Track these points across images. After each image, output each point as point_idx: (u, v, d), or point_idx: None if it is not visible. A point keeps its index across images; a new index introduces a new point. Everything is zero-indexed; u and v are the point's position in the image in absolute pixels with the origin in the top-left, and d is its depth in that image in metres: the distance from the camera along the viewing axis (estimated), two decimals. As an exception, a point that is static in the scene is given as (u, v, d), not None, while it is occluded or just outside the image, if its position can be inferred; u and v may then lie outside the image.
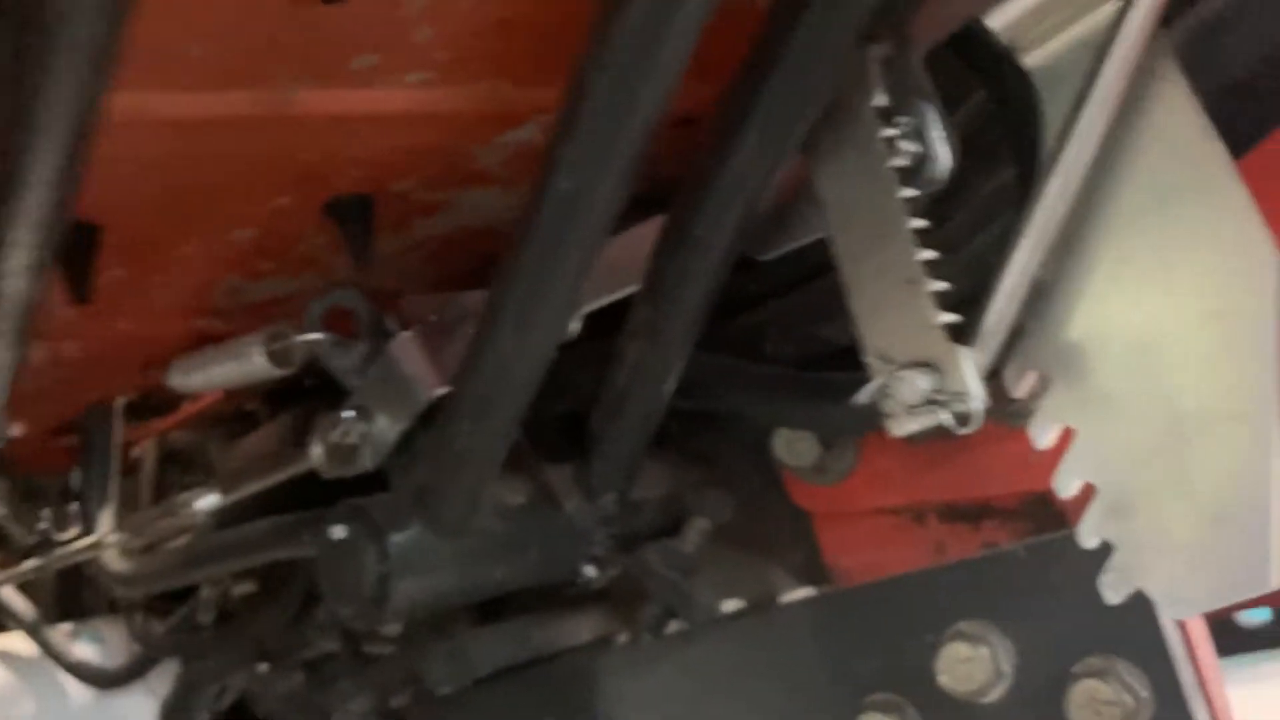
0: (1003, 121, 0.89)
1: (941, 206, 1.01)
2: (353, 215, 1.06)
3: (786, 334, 1.13)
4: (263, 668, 1.57)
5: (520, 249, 0.77)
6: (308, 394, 1.47)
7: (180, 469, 1.76)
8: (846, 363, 1.11)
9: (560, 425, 1.16)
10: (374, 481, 1.11)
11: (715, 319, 1.18)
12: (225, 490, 1.29)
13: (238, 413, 1.66)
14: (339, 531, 0.96)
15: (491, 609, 1.39)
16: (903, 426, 0.79)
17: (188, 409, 1.63)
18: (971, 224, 1.02)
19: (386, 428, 1.03)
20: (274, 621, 1.54)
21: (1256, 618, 1.66)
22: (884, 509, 1.15)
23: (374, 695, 1.28)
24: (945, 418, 0.76)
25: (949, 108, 0.94)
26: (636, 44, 0.65)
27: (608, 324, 1.02)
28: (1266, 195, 0.78)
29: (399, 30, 0.82)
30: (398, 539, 0.95)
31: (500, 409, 0.87)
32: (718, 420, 1.23)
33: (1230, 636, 0.97)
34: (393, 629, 1.25)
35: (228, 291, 1.24)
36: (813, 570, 1.21)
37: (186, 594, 1.67)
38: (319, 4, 0.71)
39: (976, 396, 0.75)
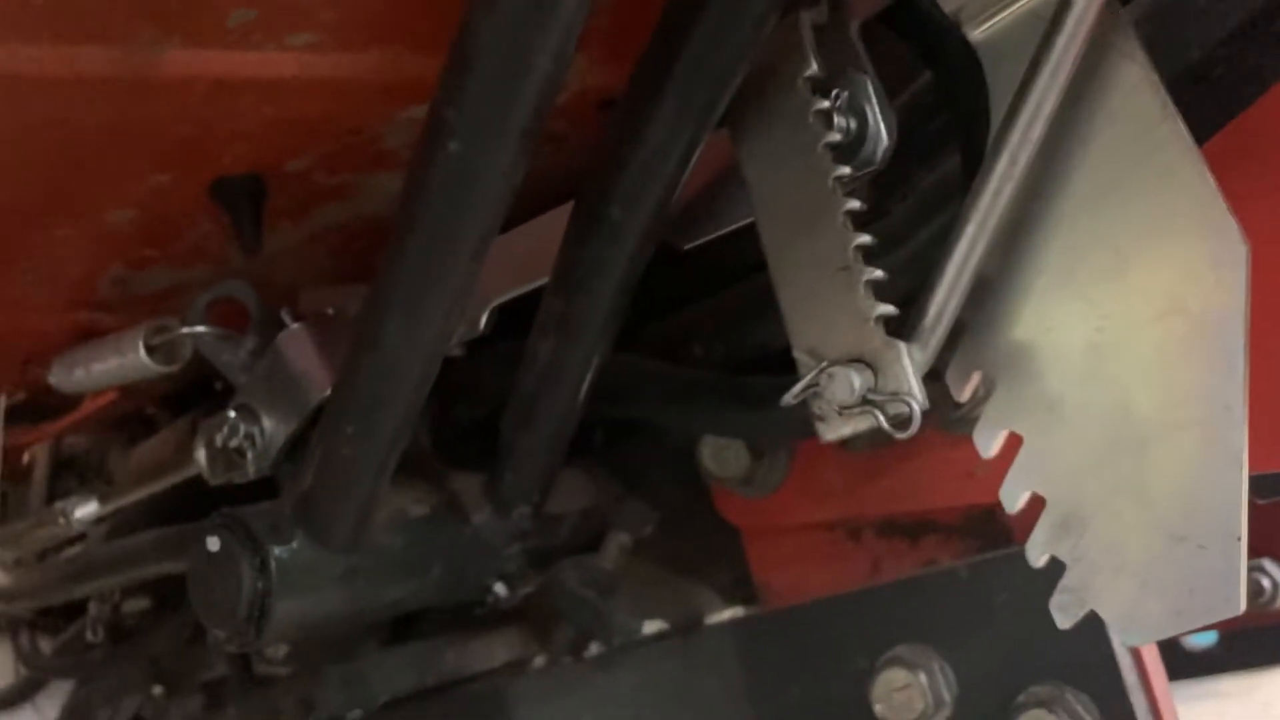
0: (946, 101, 0.82)
1: (882, 198, 0.94)
2: (241, 197, 0.97)
3: (718, 335, 1.06)
4: (158, 690, 1.47)
5: (404, 229, 0.68)
6: (213, 397, 1.37)
7: (76, 476, 1.65)
8: (783, 367, 1.04)
9: (476, 432, 1.07)
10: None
11: (641, 319, 1.11)
12: (105, 498, 1.19)
13: (137, 416, 1.56)
14: (213, 543, 0.86)
15: (401, 629, 1.30)
16: (834, 430, 0.71)
17: (82, 411, 1.52)
18: (913, 217, 0.95)
19: (274, 430, 0.94)
20: (170, 641, 1.44)
21: (1202, 641, 1.61)
22: (817, 523, 1.07)
23: (265, 724, 1.18)
24: (881, 420, 0.68)
25: (890, 94, 0.88)
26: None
27: (527, 321, 0.94)
28: (1232, 183, 0.71)
29: (279, -18, 0.73)
30: (279, 553, 0.86)
31: (387, 412, 0.78)
32: (641, 430, 1.15)
33: (1175, 660, 0.91)
34: (277, 651, 1.15)
35: (112, 282, 1.14)
36: (742, 589, 1.13)
37: (77, 611, 1.56)
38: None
39: (915, 396, 0.68)
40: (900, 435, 0.68)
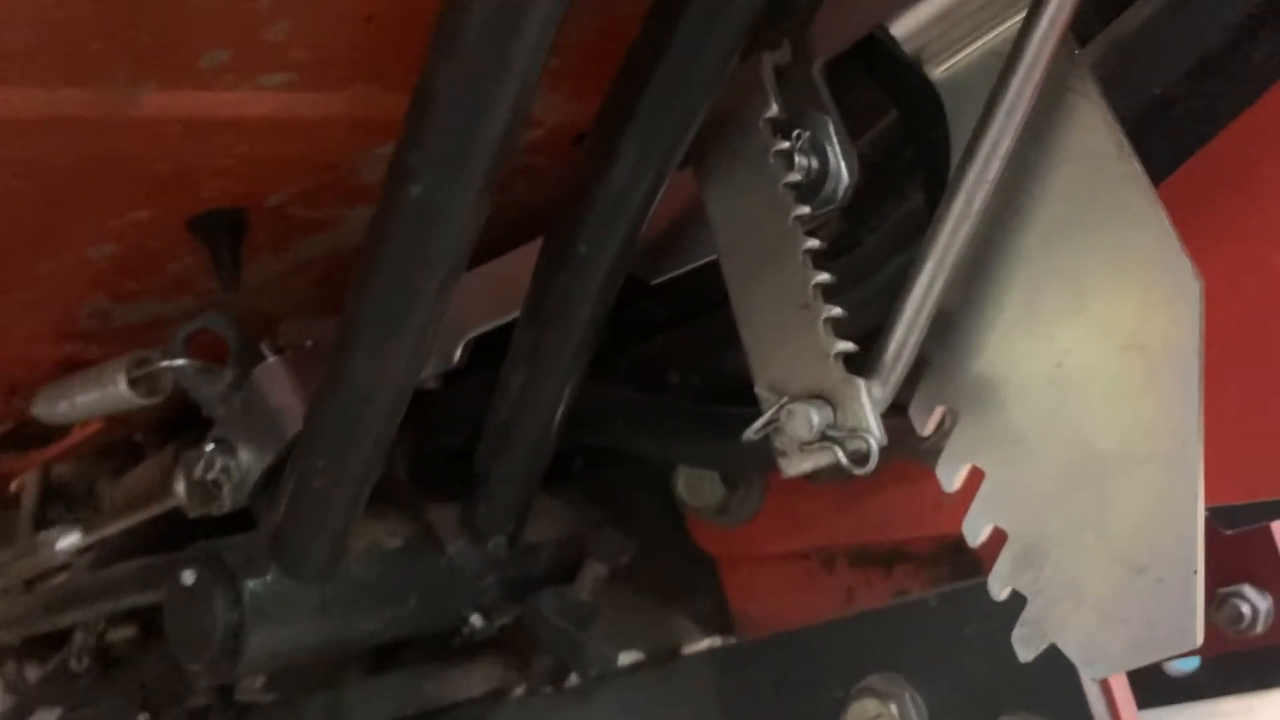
0: (908, 137, 0.83)
1: (854, 229, 0.95)
2: (220, 232, 0.98)
3: (692, 364, 1.07)
4: (143, 718, 1.47)
5: (370, 269, 0.69)
6: (201, 424, 1.38)
7: (64, 504, 1.66)
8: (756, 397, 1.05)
9: (453, 461, 1.08)
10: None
11: (616, 347, 1.12)
12: (88, 529, 1.19)
13: (125, 444, 1.57)
14: (188, 577, 0.87)
15: (383, 658, 1.31)
16: (795, 465, 0.71)
17: (70, 439, 1.52)
18: (886, 248, 0.96)
19: (250, 463, 0.95)
20: (155, 668, 1.44)
21: (1185, 667, 1.61)
22: (792, 553, 1.08)
23: (245, 754, 1.18)
24: (840, 456, 0.69)
25: (860, 128, 0.89)
26: (488, 36, 0.58)
27: (501, 352, 0.95)
28: (1187, 221, 0.72)
29: (250, 25, 0.74)
30: (253, 585, 0.87)
31: (357, 446, 0.79)
32: (620, 458, 1.16)
33: (1158, 686, 0.91)
34: (254, 681, 1.15)
35: (94, 314, 1.15)
36: (719, 618, 1.13)
37: (63, 639, 1.56)
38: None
39: (873, 433, 0.68)
40: (859, 471, 0.69)
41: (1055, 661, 0.89)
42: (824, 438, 0.69)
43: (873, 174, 0.86)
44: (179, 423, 1.46)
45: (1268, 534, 1.45)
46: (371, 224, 0.69)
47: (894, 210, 0.97)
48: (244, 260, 1.03)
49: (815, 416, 0.68)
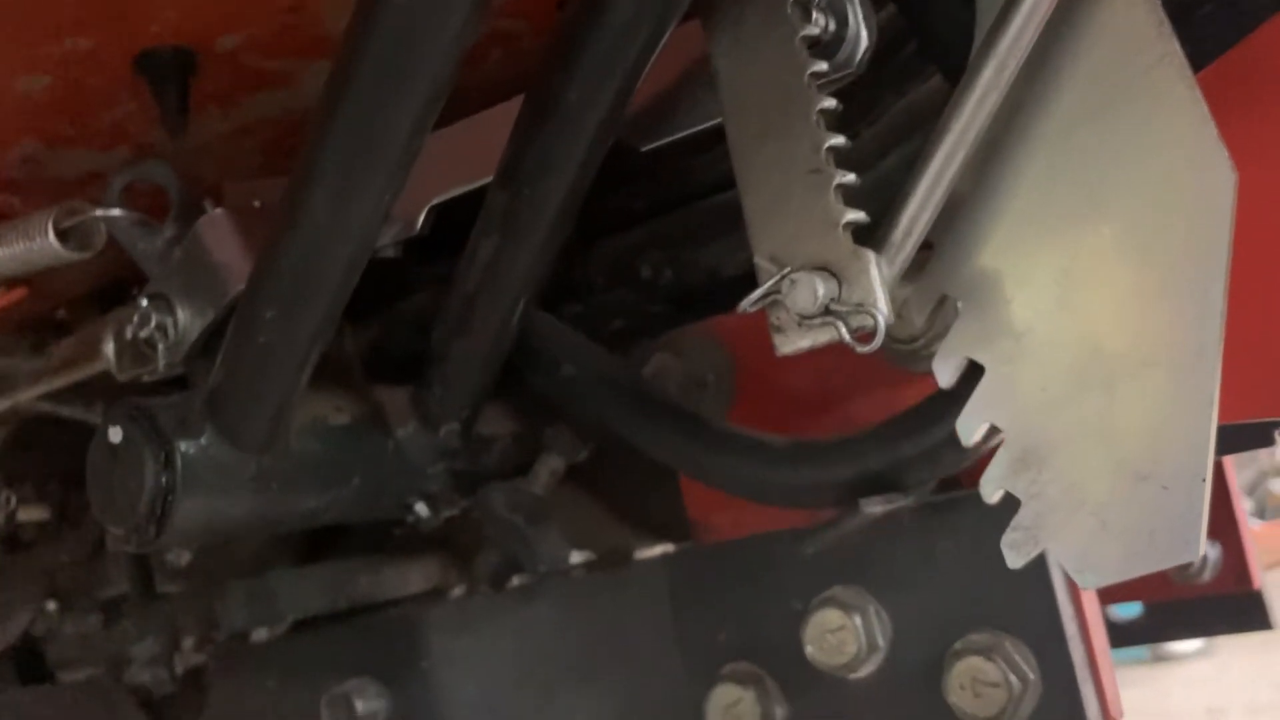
0: (912, 28, 0.77)
1: (849, 123, 0.90)
2: (167, 71, 0.90)
3: (667, 257, 1.01)
4: (52, 606, 1.39)
5: (341, 90, 0.62)
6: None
7: (-23, 380, 1.56)
8: (733, 294, 1.00)
9: (402, 365, 1.01)
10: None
11: (588, 239, 1.06)
12: (6, 391, 1.11)
13: (48, 321, 1.47)
14: (115, 434, 0.80)
15: (313, 554, 1.24)
16: (791, 342, 0.66)
17: (-14, 310, 1.43)
18: (881, 143, 0.91)
19: (188, 322, 0.87)
20: (69, 553, 1.37)
21: (1127, 613, 1.61)
22: (758, 460, 1.03)
23: (164, 639, 1.11)
24: (843, 332, 0.64)
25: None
26: None
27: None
28: (1224, 113, 0.68)
29: None
30: (186, 448, 0.80)
31: (312, 297, 0.72)
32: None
33: (1100, 630, 0.90)
34: (180, 558, 1.08)
35: (24, 160, 1.06)
36: (675, 526, 1.08)
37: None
38: None
39: (881, 309, 0.63)
40: (862, 349, 0.64)
41: (1027, 581, 0.86)
42: (827, 312, 0.64)
43: (871, 67, 0.80)
44: (107, 299, 1.38)
45: (1220, 481, 1.44)
46: (344, 39, 0.62)
47: (892, 104, 0.92)
48: (190, 111, 0.95)
49: (820, 288, 0.63)
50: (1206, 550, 1.43)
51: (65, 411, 1.17)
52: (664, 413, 0.90)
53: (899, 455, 0.79)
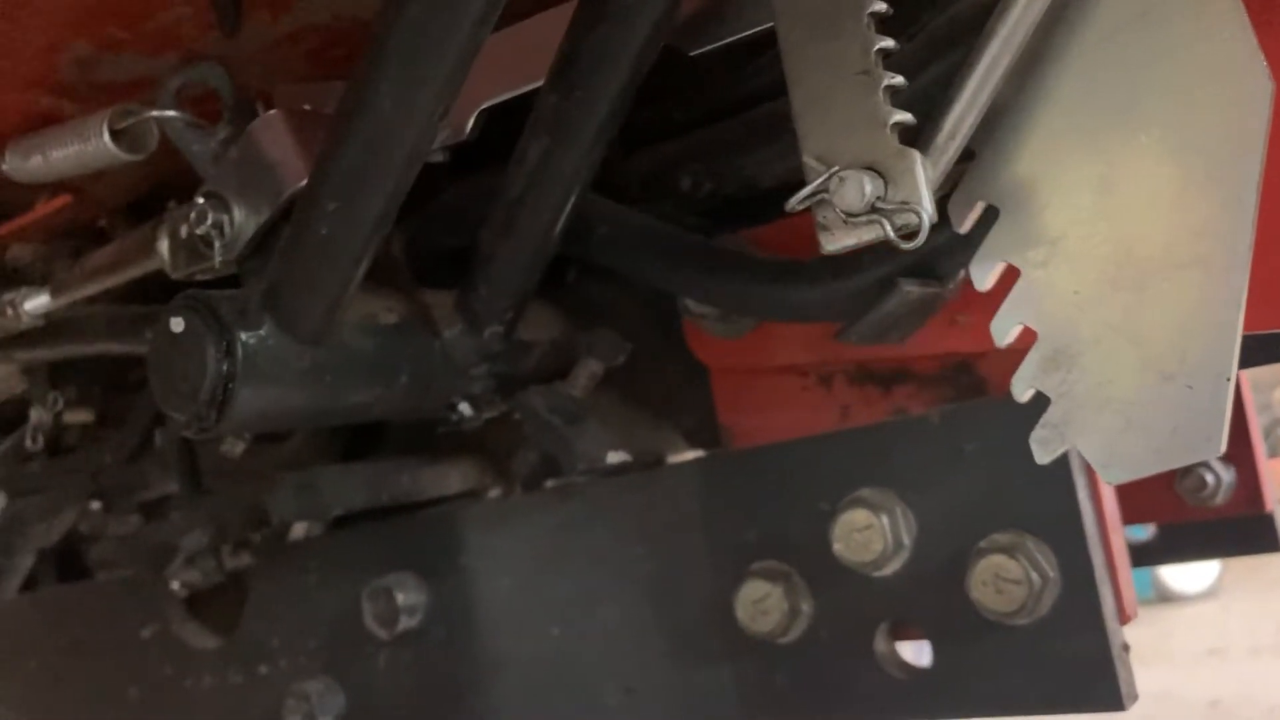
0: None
1: (893, 34, 0.91)
2: (223, -29, 0.92)
3: (706, 168, 1.03)
4: (96, 505, 1.44)
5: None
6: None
7: (21, 285, 1.59)
8: (769, 204, 1.02)
9: (451, 265, 1.04)
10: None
11: (627, 149, 1.08)
12: (57, 291, 1.14)
13: (89, 228, 1.50)
14: (177, 324, 0.83)
15: (352, 456, 1.28)
16: (837, 240, 0.69)
17: (31, 215, 1.45)
18: (920, 57, 0.92)
19: (243, 220, 0.90)
20: (112, 455, 1.40)
21: (1138, 534, 1.64)
22: (789, 367, 1.06)
23: (212, 531, 1.15)
24: (888, 229, 0.66)
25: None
26: None
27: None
28: (1262, 26, 0.69)
29: None
30: (246, 338, 0.83)
31: (375, 187, 0.75)
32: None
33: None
34: (234, 448, 1.12)
35: (75, 63, 1.08)
36: (705, 432, 1.12)
37: (16, 423, 1.52)
38: None
39: (925, 207, 0.66)
40: (906, 246, 0.67)
41: (1051, 482, 0.89)
42: (873, 210, 0.66)
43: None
44: (146, 209, 1.40)
45: (1238, 406, 1.46)
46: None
47: (931, 19, 0.94)
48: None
49: (868, 185, 0.65)
50: (1220, 473, 1.47)
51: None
52: (703, 250, 0.93)
53: (931, 244, 0.81)
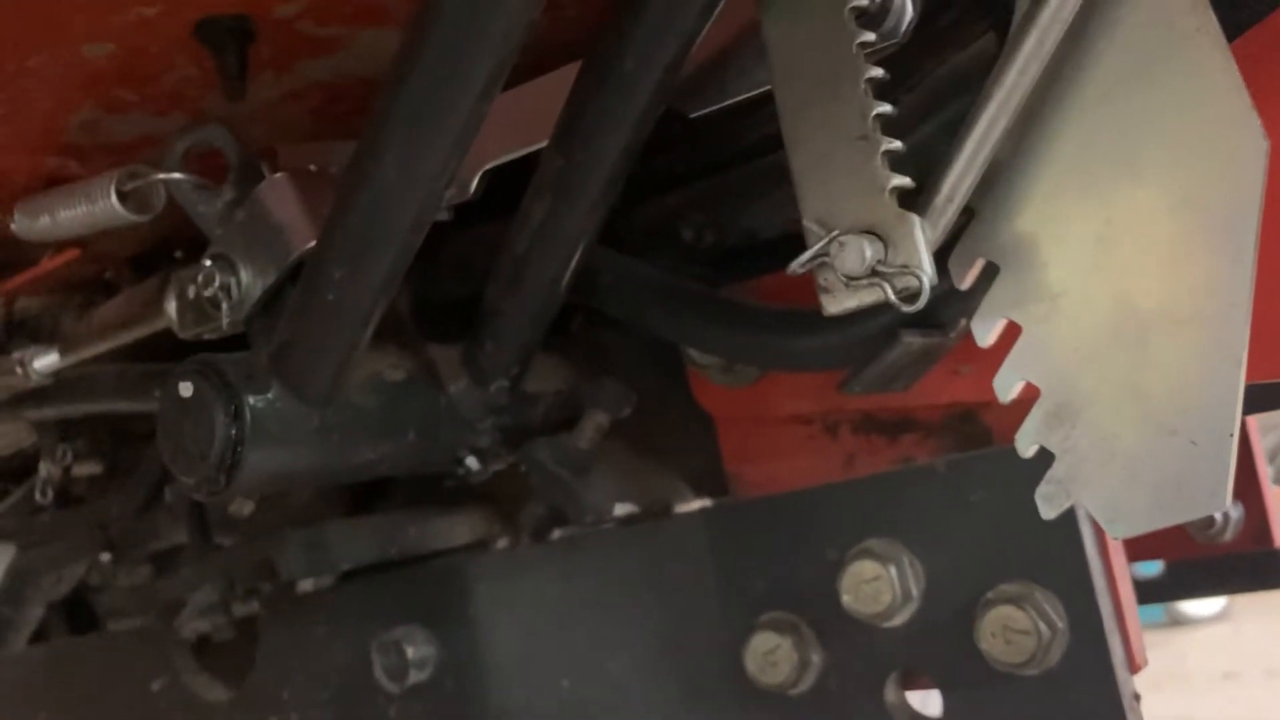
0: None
1: (890, 89, 0.92)
2: (227, 39, 0.93)
3: (707, 220, 1.04)
4: (106, 557, 1.44)
5: (414, 51, 0.65)
6: (175, 265, 1.34)
7: (29, 339, 1.60)
8: (771, 256, 1.03)
9: (454, 315, 1.04)
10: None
11: (629, 202, 1.08)
12: (66, 350, 1.15)
13: (96, 281, 1.51)
14: (185, 388, 0.83)
15: (360, 508, 1.29)
16: (839, 303, 0.69)
17: (38, 269, 1.47)
18: (920, 109, 0.93)
19: (250, 282, 0.91)
20: (121, 507, 1.41)
21: (1148, 570, 1.64)
22: (795, 416, 1.06)
23: (221, 586, 1.16)
24: (889, 293, 0.67)
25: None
26: None
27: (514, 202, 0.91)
28: (1258, 82, 0.70)
29: None
30: (254, 401, 0.83)
31: (378, 254, 0.76)
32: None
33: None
34: (242, 508, 1.12)
35: (83, 125, 1.09)
36: (711, 481, 1.12)
37: (26, 473, 1.53)
38: None
39: (925, 270, 0.67)
40: (908, 309, 0.67)
41: (1058, 533, 0.89)
42: (874, 274, 0.67)
43: (912, 33, 0.83)
44: (152, 262, 1.41)
45: (1245, 442, 1.46)
46: (417, 5, 0.65)
47: (930, 71, 0.95)
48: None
49: (868, 250, 0.66)
50: (1228, 509, 1.46)
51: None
52: (702, 299, 0.93)
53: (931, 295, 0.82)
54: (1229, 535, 1.46)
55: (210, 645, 1.36)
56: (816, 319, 0.91)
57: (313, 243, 0.88)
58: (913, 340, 0.85)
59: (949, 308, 0.88)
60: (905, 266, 0.67)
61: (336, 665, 1.19)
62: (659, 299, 0.99)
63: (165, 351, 1.18)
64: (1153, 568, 1.62)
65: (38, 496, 1.42)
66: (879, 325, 0.88)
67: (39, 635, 1.63)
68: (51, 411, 1.23)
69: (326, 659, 1.20)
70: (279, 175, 0.91)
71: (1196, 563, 1.51)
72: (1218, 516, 1.45)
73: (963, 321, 0.90)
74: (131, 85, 1.03)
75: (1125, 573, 0.93)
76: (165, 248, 1.40)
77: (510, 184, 0.93)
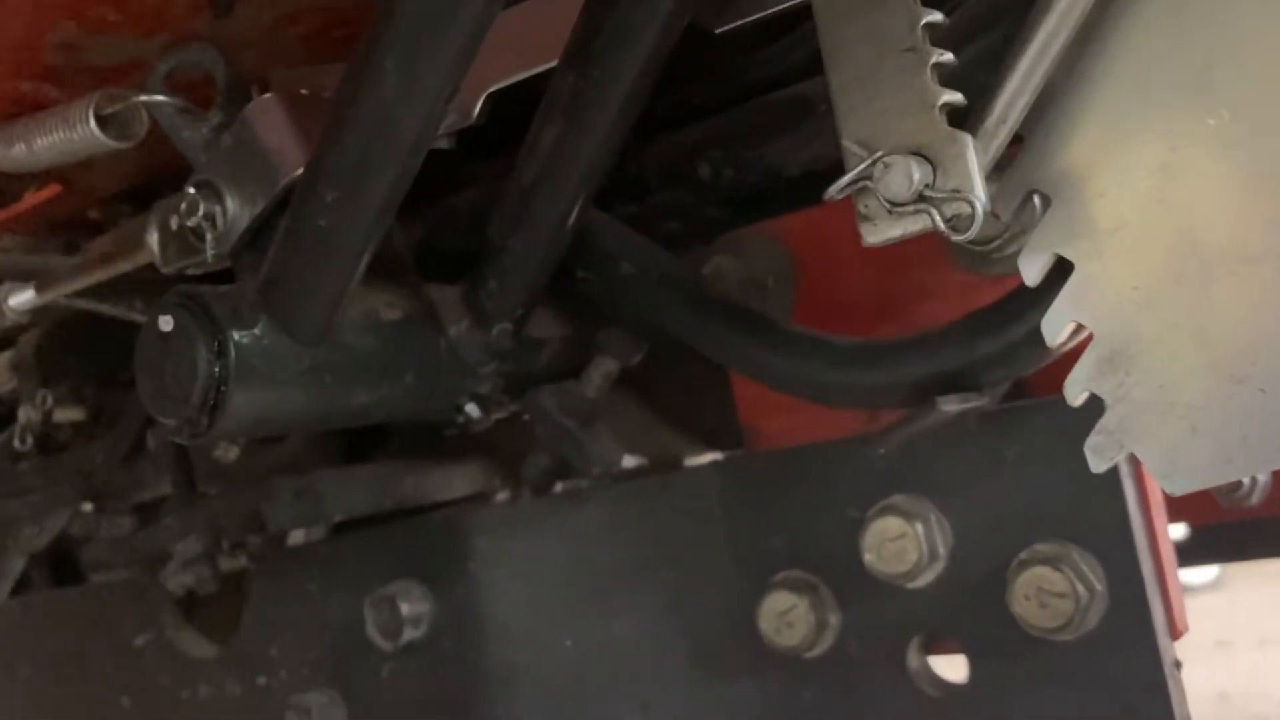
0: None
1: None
2: (215, -51, 0.86)
3: (727, 156, 0.98)
4: (88, 507, 1.39)
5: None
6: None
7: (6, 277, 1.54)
8: (792, 195, 0.97)
9: (462, 269, 0.98)
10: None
11: (647, 135, 1.02)
12: (43, 287, 1.09)
13: (79, 220, 1.45)
14: (166, 323, 0.77)
15: (354, 458, 1.23)
16: (880, 232, 0.63)
17: (19, 205, 1.40)
18: (962, 31, 0.87)
19: (237, 211, 0.84)
20: (105, 456, 1.35)
21: (1171, 534, 1.59)
22: (816, 366, 1.00)
23: (206, 538, 1.10)
24: (936, 220, 0.61)
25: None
26: None
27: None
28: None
29: None
30: (240, 338, 0.77)
31: (375, 177, 0.69)
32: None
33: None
34: (227, 453, 1.07)
35: (61, 46, 1.03)
36: (725, 433, 1.06)
37: (5, 421, 1.47)
38: None
39: (978, 195, 0.60)
40: (957, 238, 0.61)
41: (1099, 490, 0.84)
42: (920, 199, 0.61)
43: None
44: (138, 199, 1.35)
45: (1275, 404, 1.41)
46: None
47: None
48: (235, -2, 0.91)
49: (916, 172, 0.60)
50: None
51: (105, 309, 1.15)
52: (726, 312, 0.87)
53: (977, 354, 0.76)
54: (1255, 499, 1.40)
55: (198, 600, 1.31)
56: (845, 351, 0.84)
57: (302, 168, 0.82)
58: (949, 409, 0.78)
59: (991, 372, 0.80)
60: (956, 191, 0.61)
61: (328, 622, 1.14)
62: (681, 304, 0.91)
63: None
64: (1177, 531, 1.57)
65: (16, 443, 1.36)
66: (921, 375, 0.81)
67: (22, 587, 1.58)
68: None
69: (318, 615, 1.15)
70: (268, 96, 0.85)
71: (1222, 527, 1.46)
72: (1245, 480, 1.39)
73: (1005, 385, 0.84)
74: (114, 3, 0.96)
75: (1168, 532, 0.87)
76: (152, 187, 1.34)
77: (519, 119, 0.87)
